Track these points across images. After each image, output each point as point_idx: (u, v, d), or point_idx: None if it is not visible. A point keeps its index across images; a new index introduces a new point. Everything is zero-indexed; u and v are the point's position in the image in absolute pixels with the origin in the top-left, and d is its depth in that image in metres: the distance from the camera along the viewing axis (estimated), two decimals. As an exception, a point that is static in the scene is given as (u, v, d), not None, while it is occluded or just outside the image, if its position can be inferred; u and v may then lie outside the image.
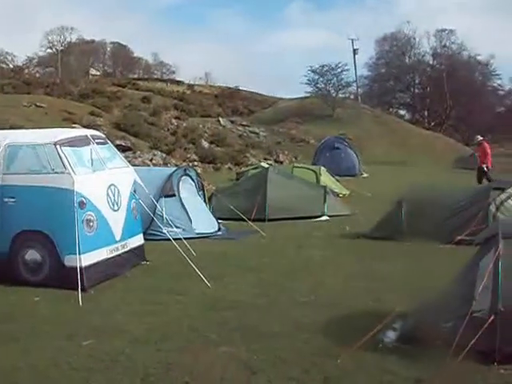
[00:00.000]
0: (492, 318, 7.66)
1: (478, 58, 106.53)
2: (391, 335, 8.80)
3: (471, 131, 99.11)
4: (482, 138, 30.35)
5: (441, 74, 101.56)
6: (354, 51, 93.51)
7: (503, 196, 16.33)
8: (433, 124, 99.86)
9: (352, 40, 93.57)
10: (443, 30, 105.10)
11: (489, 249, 8.50)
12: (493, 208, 16.01)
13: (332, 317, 10.08)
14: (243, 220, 19.48)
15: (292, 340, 8.96)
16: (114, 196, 13.09)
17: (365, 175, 42.58)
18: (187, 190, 18.60)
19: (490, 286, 7.95)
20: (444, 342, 7.87)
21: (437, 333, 8.14)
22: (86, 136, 13.44)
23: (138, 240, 14.09)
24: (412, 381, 7.39)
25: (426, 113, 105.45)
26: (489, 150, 29.03)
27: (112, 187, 13.09)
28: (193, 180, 19.11)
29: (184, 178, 18.64)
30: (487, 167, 28.55)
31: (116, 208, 13.11)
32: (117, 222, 13.09)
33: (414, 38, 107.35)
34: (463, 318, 7.73)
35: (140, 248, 14.21)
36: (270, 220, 20.74)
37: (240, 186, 23.78)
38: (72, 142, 12.76)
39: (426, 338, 8.25)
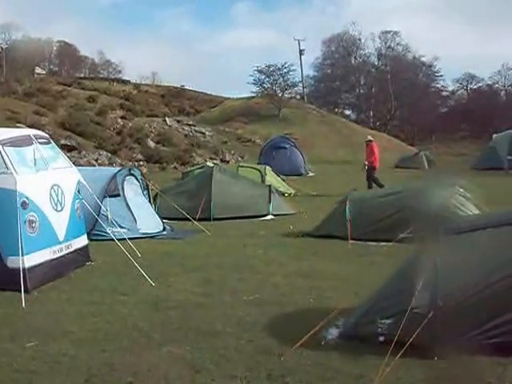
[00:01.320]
0: (431, 313, 7.77)
1: (422, 59, 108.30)
2: (333, 332, 8.85)
3: (416, 131, 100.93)
4: (371, 138, 30.64)
5: (385, 75, 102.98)
6: (301, 52, 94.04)
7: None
8: (378, 124, 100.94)
9: (298, 40, 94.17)
10: (388, 32, 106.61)
11: (428, 246, 8.66)
12: (435, 207, 16.28)
13: (275, 315, 10.11)
14: (188, 219, 19.44)
15: (236, 338, 8.96)
16: (57, 196, 12.95)
17: (310, 174, 42.91)
18: (132, 189, 18.51)
19: (429, 282, 8.06)
20: (385, 338, 8.03)
21: (378, 329, 8.25)
22: (29, 136, 13.22)
23: (82, 240, 13.94)
24: (353, 377, 7.44)
25: (371, 113, 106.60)
26: (376, 151, 29.22)
27: (55, 187, 12.94)
28: (137, 180, 19.03)
29: (129, 177, 18.55)
30: (374, 168, 28.79)
31: (59, 208, 12.97)
32: (60, 222, 12.94)
33: (360, 39, 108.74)
34: (403, 314, 7.82)
35: (84, 248, 14.05)
36: (215, 219, 20.83)
37: (185, 186, 23.73)
38: (14, 142, 12.53)
39: (367, 334, 8.40)
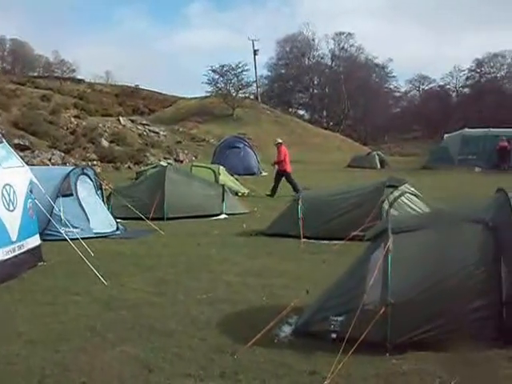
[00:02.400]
0: (383, 309, 7.90)
1: (376, 60, 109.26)
2: (286, 330, 8.94)
3: (369, 131, 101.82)
4: (280, 141, 30.84)
5: (339, 76, 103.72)
6: (255, 52, 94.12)
7: (396, 193, 16.85)
8: (331, 124, 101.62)
9: (252, 41, 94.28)
10: (342, 33, 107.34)
11: (379, 244, 8.73)
12: (386, 205, 16.49)
13: (229, 313, 10.16)
14: (142, 219, 19.38)
15: (189, 337, 8.97)
16: (9, 196, 12.83)
17: (264, 174, 42.97)
18: (85, 189, 18.37)
19: (380, 280, 8.18)
20: (337, 335, 8.13)
21: (330, 326, 8.33)
22: (-20, 135, 13.15)
23: (34, 240, 13.80)
24: (306, 373, 7.50)
25: (324, 113, 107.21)
26: (285, 154, 29.36)
27: (7, 187, 12.82)
28: (91, 179, 18.88)
29: (82, 177, 18.40)
30: (284, 170, 29.03)
31: (12, 208, 12.85)
32: (12, 222, 12.81)
33: (314, 40, 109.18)
34: (355, 311, 7.92)
35: (37, 248, 13.92)
36: (168, 219, 20.80)
37: (139, 185, 23.64)
38: (-34, 142, 12.49)
39: (319, 331, 8.48)
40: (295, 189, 27.79)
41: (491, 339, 8.08)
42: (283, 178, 28.99)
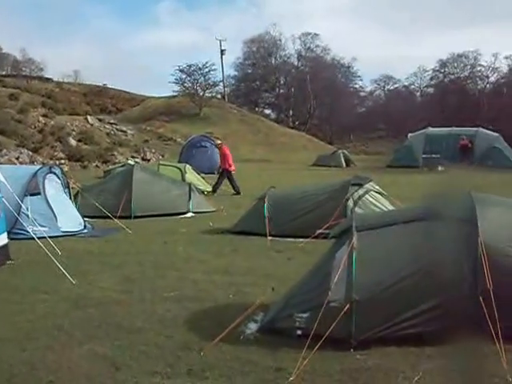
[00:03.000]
0: (347, 306, 8.00)
1: (341, 60, 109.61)
2: (252, 327, 8.99)
3: (334, 130, 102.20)
4: (220, 142, 31.16)
5: (305, 76, 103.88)
6: (222, 51, 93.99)
7: (361, 191, 17.06)
8: (297, 123, 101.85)
9: (220, 41, 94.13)
10: (308, 34, 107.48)
11: (344, 241, 8.83)
12: (351, 203, 16.68)
13: (195, 311, 10.20)
14: (109, 218, 19.39)
15: (156, 335, 9.01)
16: (-24, 195, 12.84)
17: (231, 172, 43.11)
18: (53, 188, 18.33)
19: (344, 277, 8.28)
20: (303, 332, 8.23)
21: (295, 323, 8.45)
22: None
23: (2, 239, 13.75)
24: (272, 370, 7.56)
25: (290, 112, 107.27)
26: (225, 154, 29.66)
27: (-26, 186, 12.84)
28: (58, 178, 18.85)
29: (49, 176, 18.35)
30: (227, 170, 29.32)
31: (-21, 207, 12.86)
32: (-20, 221, 12.84)
33: (280, 40, 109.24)
34: (320, 308, 8.00)
35: (4, 247, 13.87)
36: (136, 217, 20.83)
37: (106, 184, 23.61)
38: None
39: (285, 328, 8.57)
40: (235, 188, 28.21)
41: (454, 334, 8.24)
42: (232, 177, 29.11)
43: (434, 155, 47.85)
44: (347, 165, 51.48)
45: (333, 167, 47.95)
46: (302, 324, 8.40)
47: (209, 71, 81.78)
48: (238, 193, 28.05)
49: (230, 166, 29.42)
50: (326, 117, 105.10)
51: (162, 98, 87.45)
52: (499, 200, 9.87)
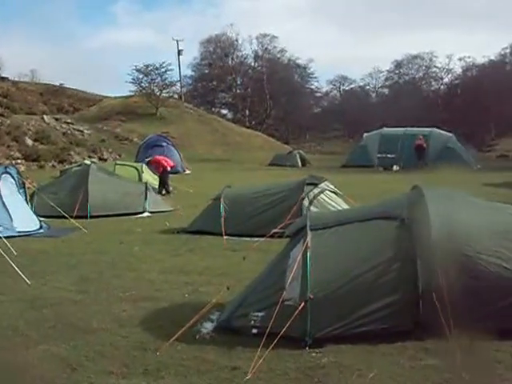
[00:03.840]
0: (302, 305, 8.08)
1: (298, 61, 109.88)
2: (208, 326, 9.03)
3: (290, 130, 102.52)
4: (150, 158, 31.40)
5: (262, 76, 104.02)
6: (179, 52, 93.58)
7: (316, 191, 17.20)
8: (254, 123, 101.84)
9: (177, 41, 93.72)
10: (266, 35, 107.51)
11: (298, 240, 8.94)
12: (306, 202, 16.80)
13: (151, 311, 10.23)
14: (65, 217, 19.28)
15: (112, 335, 9.00)
16: None
17: (187, 172, 43.12)
18: (8, 188, 18.15)
19: (299, 275, 8.38)
20: (258, 330, 8.28)
21: (251, 322, 8.50)
22: None
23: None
24: (228, 369, 7.60)
25: (247, 112, 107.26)
26: (157, 161, 29.72)
27: None
28: (13, 178, 18.71)
29: (4, 176, 18.16)
30: (164, 170, 29.34)
31: None
32: None
33: (237, 41, 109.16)
34: (275, 307, 8.09)
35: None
36: (92, 217, 20.73)
37: (62, 184, 23.49)
38: None
39: (241, 327, 8.63)
40: (166, 188, 28.19)
41: (408, 331, 8.36)
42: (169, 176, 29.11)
43: (388, 155, 48.30)
44: (303, 164, 51.63)
45: (289, 167, 48.06)
46: (257, 323, 8.45)
47: (166, 71, 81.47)
48: (168, 192, 27.92)
49: (165, 167, 29.18)
50: (283, 117, 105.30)
51: (118, 97, 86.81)
52: (452, 197, 10.05)
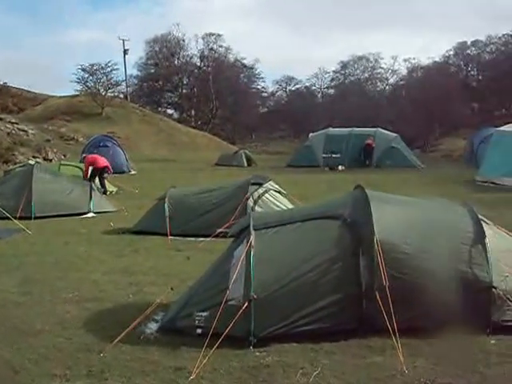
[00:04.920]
0: (246, 304, 8.12)
1: (244, 61, 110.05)
2: (152, 326, 9.03)
3: (236, 130, 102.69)
4: (85, 156, 31.21)
5: (208, 76, 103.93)
6: (125, 51, 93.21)
7: (260, 190, 17.33)
8: (200, 123, 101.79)
9: (123, 40, 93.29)
10: (211, 34, 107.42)
11: (241, 240, 8.99)
12: (251, 202, 16.92)
13: (95, 312, 10.16)
14: (9, 218, 19.07)
15: (55, 337, 8.92)
16: None
17: (133, 172, 42.94)
18: None
19: (242, 275, 8.41)
20: (202, 330, 8.30)
21: (195, 322, 8.51)
22: None
23: None
24: (172, 369, 7.60)
25: (193, 112, 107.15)
26: (90, 161, 29.33)
27: None
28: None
29: None
30: (99, 169, 29.01)
31: None
32: None
33: (183, 41, 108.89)
34: (219, 306, 8.12)
35: None
36: (36, 218, 20.42)
37: (5, 185, 23.17)
38: None
39: (185, 327, 8.63)
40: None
41: (352, 329, 8.47)
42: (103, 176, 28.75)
43: (334, 155, 48.67)
44: (249, 164, 51.74)
45: (234, 167, 48.12)
46: (201, 323, 8.46)
47: (111, 70, 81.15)
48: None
49: (99, 166, 28.82)
50: (229, 117, 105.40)
51: (64, 97, 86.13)
52: (393, 198, 10.21)
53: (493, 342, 8.35)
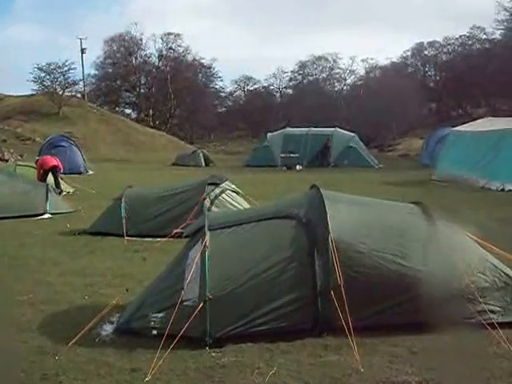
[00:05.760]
0: (201, 305, 8.11)
1: (202, 61, 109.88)
2: (108, 328, 8.97)
3: (195, 130, 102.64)
4: (38, 158, 30.95)
5: (166, 75, 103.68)
6: (82, 50, 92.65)
7: (217, 190, 17.33)
8: (158, 122, 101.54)
9: (80, 39, 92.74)
10: (170, 34, 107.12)
11: (197, 240, 8.99)
12: (208, 202, 16.90)
13: (51, 314, 10.06)
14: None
15: (9, 340, 8.84)
16: None
17: (90, 173, 42.73)
18: None
19: (198, 276, 8.41)
20: (158, 332, 8.27)
21: (150, 323, 8.48)
22: None
23: None
24: (128, 371, 7.56)
25: (151, 112, 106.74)
26: (41, 162, 29.20)
27: None
28: None
29: None
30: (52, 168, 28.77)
31: None
32: None
33: (142, 40, 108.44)
34: (174, 307, 8.11)
35: None
36: (-10, 220, 20.26)
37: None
38: None
39: (140, 328, 8.59)
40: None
41: (308, 328, 8.49)
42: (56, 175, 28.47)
43: (292, 154, 49.04)
44: (206, 164, 51.80)
45: (192, 167, 48.17)
46: (157, 324, 8.43)
47: (68, 70, 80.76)
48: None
49: (49, 168, 28.50)
50: (187, 116, 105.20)
51: (20, 96, 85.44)
52: (348, 197, 10.28)
53: (448, 338, 8.40)
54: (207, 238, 8.69)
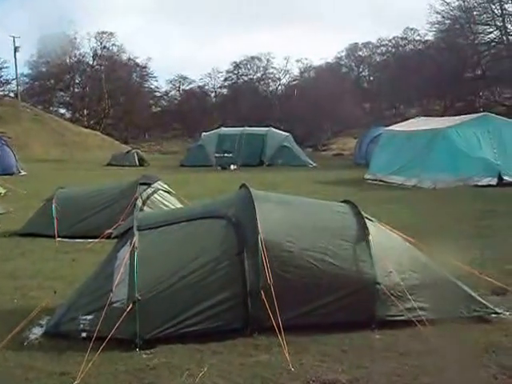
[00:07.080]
0: (130, 306, 8.07)
1: (137, 60, 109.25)
2: (37, 331, 8.84)
3: (129, 130, 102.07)
4: None
5: (100, 75, 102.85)
6: (16, 49, 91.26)
7: (149, 190, 17.31)
8: (92, 122, 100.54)
9: (13, 37, 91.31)
10: (104, 33, 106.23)
11: (125, 241, 8.95)
12: (140, 202, 16.86)
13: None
14: None
15: None
16: None
17: (23, 173, 42.14)
18: None
19: (127, 277, 8.35)
20: (87, 334, 8.20)
21: (80, 325, 8.41)
22: None
23: None
24: (56, 375, 7.46)
25: (85, 111, 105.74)
26: None
27: None
28: None
29: None
30: None
31: None
32: None
33: (76, 39, 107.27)
34: (103, 309, 8.02)
35: None
36: None
37: None
38: None
39: (70, 331, 8.50)
40: None
41: (239, 328, 8.52)
42: None
43: (226, 154, 49.20)
44: (141, 164, 51.60)
45: (126, 167, 47.95)
46: (86, 326, 8.35)
47: (1, 69, 79.65)
48: None
49: None
50: (122, 116, 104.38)
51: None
52: (278, 197, 10.36)
53: (378, 336, 8.53)
54: (136, 238, 8.64)
